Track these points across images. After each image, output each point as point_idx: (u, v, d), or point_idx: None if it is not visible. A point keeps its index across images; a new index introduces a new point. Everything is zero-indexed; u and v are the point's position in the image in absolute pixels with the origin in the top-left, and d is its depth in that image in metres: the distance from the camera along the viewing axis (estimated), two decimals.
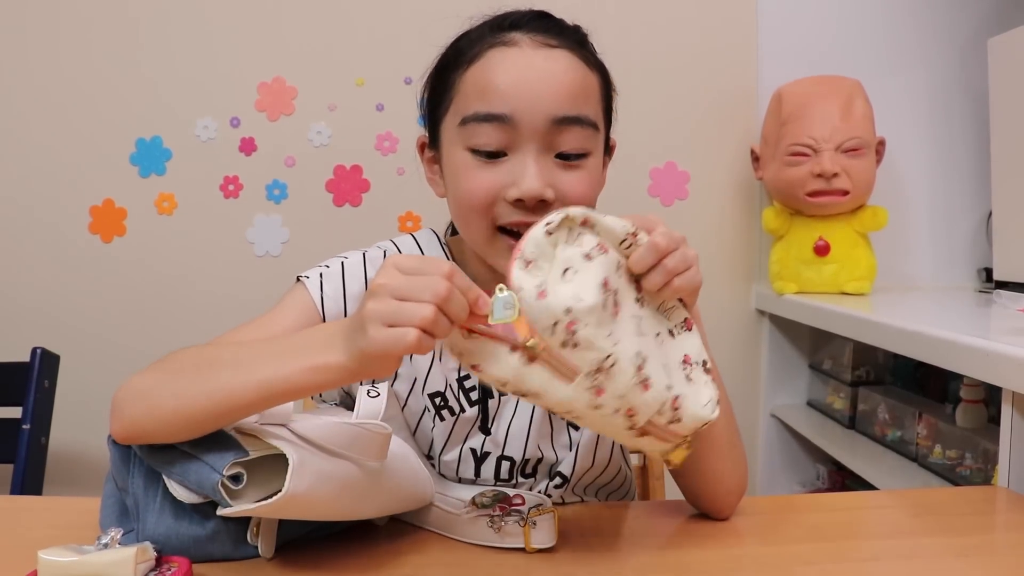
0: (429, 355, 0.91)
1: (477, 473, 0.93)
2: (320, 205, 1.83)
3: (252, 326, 0.86)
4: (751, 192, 1.90)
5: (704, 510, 0.87)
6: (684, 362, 0.71)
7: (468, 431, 0.92)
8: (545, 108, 0.79)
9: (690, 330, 0.73)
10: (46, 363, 1.53)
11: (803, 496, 1.23)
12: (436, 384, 0.92)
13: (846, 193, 1.64)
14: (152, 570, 0.67)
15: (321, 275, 0.90)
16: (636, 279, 0.70)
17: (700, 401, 0.70)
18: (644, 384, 0.65)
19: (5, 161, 1.80)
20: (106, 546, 0.65)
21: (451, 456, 0.92)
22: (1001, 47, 1.62)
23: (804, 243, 1.72)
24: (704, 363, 0.72)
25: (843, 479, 1.78)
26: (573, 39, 0.84)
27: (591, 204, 0.85)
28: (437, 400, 0.92)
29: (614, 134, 0.92)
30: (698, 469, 0.84)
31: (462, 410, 0.92)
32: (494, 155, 0.81)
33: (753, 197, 1.90)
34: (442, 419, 0.92)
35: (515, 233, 0.81)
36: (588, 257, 0.65)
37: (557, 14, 0.87)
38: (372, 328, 0.61)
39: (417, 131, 0.96)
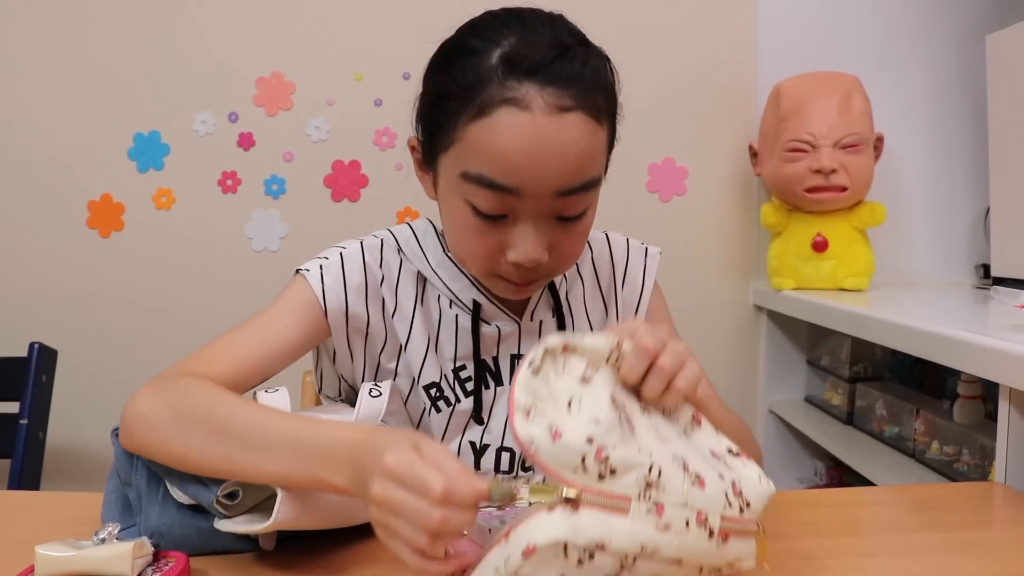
0: (423, 347, 0.92)
1: (477, 467, 0.93)
2: (318, 200, 1.83)
3: (253, 327, 0.86)
4: (749, 188, 1.90)
5: None
6: (713, 456, 0.66)
7: (466, 423, 0.93)
8: (552, 183, 0.77)
9: (700, 425, 0.69)
10: (44, 358, 1.53)
11: (801, 492, 1.23)
12: (431, 375, 0.92)
13: (844, 189, 1.64)
14: (150, 565, 0.67)
15: (321, 267, 0.90)
16: (635, 390, 0.66)
17: (752, 479, 0.65)
18: (699, 481, 0.61)
19: (3, 156, 1.79)
20: (103, 541, 0.65)
21: (451, 448, 0.93)
22: (999, 43, 1.62)
23: (802, 239, 1.72)
24: (730, 450, 0.68)
25: (841, 475, 1.79)
26: (590, 86, 0.77)
27: (584, 244, 0.87)
28: (432, 391, 0.92)
29: None
30: None
31: (457, 400, 0.92)
32: (494, 217, 0.80)
33: (751, 193, 1.90)
34: (438, 411, 0.92)
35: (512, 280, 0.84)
36: (585, 380, 0.62)
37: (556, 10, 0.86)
38: (380, 532, 0.61)
39: None
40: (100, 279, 1.81)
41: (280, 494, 0.68)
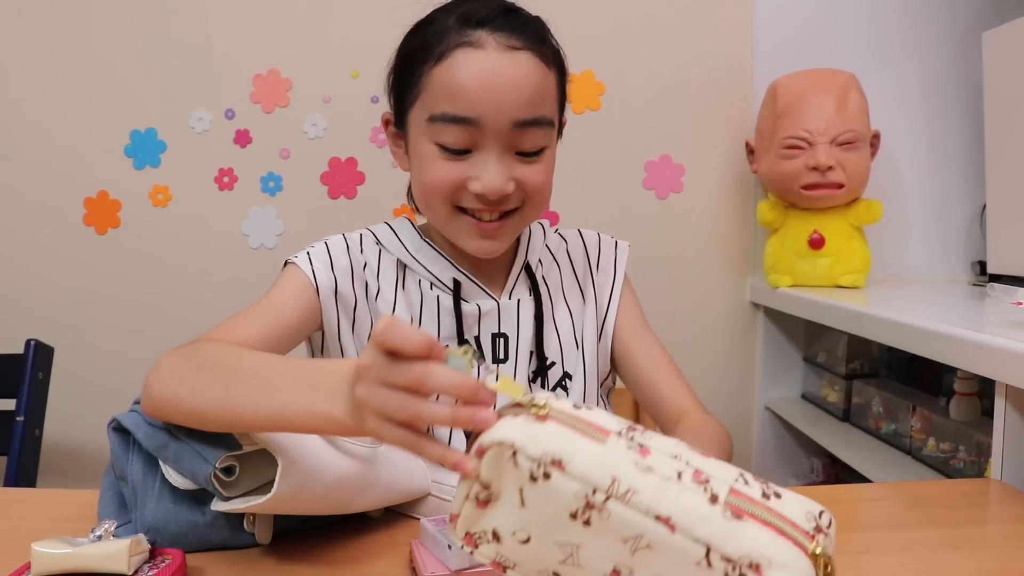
0: (405, 319, 0.95)
1: (468, 449, 0.94)
2: (315, 197, 1.83)
3: (255, 308, 0.90)
4: (746, 185, 1.90)
5: None
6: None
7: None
8: (509, 112, 0.85)
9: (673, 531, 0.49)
10: (40, 355, 1.52)
11: (797, 488, 1.23)
12: None
13: (841, 186, 1.64)
14: (146, 561, 0.67)
15: (308, 252, 0.96)
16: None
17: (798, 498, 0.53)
18: (696, 473, 0.50)
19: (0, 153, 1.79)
20: (100, 538, 0.66)
21: (443, 435, 0.94)
22: (996, 40, 1.62)
23: (799, 236, 1.72)
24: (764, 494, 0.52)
25: (837, 472, 1.79)
26: (535, 37, 0.88)
27: (548, 189, 0.92)
28: None
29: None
30: None
31: None
32: (460, 152, 0.87)
33: (748, 190, 1.90)
34: None
35: (474, 214, 0.89)
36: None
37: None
38: (371, 421, 0.58)
39: None
40: (97, 276, 1.81)
41: (280, 466, 0.67)
